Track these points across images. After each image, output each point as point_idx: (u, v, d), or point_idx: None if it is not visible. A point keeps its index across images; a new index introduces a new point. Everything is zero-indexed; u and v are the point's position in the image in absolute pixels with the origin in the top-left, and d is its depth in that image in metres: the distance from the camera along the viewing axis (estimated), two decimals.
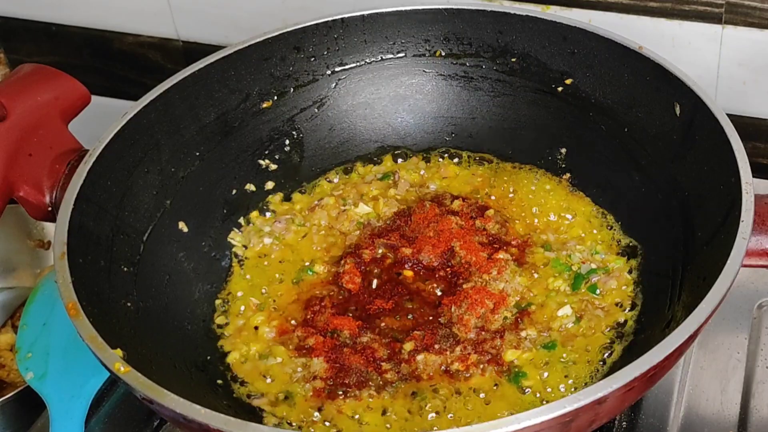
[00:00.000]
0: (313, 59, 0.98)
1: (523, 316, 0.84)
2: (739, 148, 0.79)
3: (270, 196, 0.97)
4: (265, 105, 0.97)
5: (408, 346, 0.82)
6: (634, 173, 0.90)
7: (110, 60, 1.33)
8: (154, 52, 1.30)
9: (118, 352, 0.70)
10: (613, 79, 0.92)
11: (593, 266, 0.88)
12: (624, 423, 0.83)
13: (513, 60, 0.97)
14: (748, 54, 1.04)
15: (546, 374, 0.80)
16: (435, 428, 0.77)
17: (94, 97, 0.96)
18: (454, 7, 0.97)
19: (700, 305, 0.69)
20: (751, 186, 0.76)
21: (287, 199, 0.98)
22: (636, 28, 1.04)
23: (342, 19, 0.98)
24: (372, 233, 0.93)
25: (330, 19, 0.98)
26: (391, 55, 1.00)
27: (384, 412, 0.78)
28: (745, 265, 0.73)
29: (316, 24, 0.98)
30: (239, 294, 0.90)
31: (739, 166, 0.77)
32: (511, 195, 0.96)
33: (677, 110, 0.86)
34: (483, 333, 0.83)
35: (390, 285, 0.88)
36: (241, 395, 0.81)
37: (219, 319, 0.88)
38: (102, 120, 0.90)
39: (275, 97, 0.98)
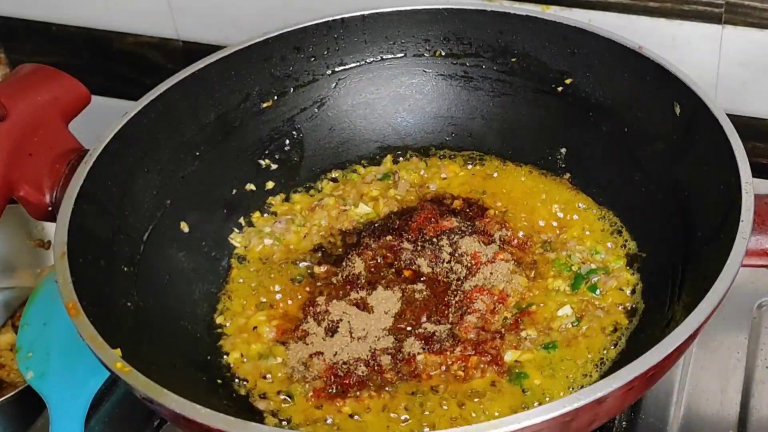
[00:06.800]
0: (313, 59, 0.99)
1: (523, 317, 0.84)
2: (738, 148, 0.79)
3: (270, 197, 0.97)
4: (265, 105, 0.97)
5: (408, 346, 0.82)
6: (634, 173, 0.90)
7: (110, 60, 1.33)
8: (154, 52, 1.30)
9: (118, 351, 0.70)
10: (613, 79, 0.92)
11: (593, 266, 0.88)
12: (624, 423, 0.83)
13: (513, 60, 0.97)
14: (748, 54, 1.04)
15: (546, 374, 0.80)
16: (435, 428, 0.77)
17: (94, 97, 0.96)
18: (454, 7, 0.97)
19: (700, 305, 0.69)
20: (750, 186, 0.76)
21: (287, 199, 0.98)
22: (636, 28, 1.04)
23: (342, 19, 0.98)
24: (372, 233, 0.93)
25: (330, 19, 0.98)
26: (391, 55, 1.00)
27: (384, 412, 0.78)
28: (745, 265, 0.73)
29: (317, 24, 0.98)
30: (239, 294, 0.90)
31: (739, 166, 0.77)
32: (511, 195, 0.96)
33: (677, 110, 0.86)
34: (483, 333, 0.83)
35: (390, 285, 0.88)
36: (242, 395, 0.81)
37: (219, 319, 0.88)
38: (102, 120, 0.90)
39: (275, 97, 0.98)
